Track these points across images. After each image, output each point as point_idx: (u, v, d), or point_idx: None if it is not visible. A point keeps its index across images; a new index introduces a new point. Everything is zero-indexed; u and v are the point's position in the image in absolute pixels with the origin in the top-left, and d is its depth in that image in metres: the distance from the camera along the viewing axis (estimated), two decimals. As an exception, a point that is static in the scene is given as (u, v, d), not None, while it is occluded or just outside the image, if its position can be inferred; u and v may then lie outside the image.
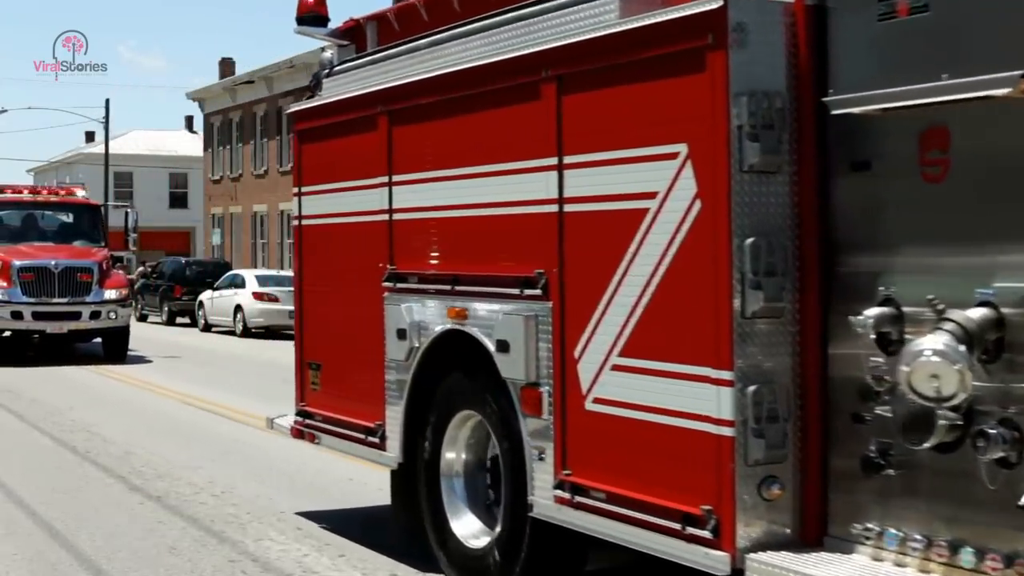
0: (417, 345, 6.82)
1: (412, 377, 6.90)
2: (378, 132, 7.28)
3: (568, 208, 5.67)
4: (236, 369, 21.94)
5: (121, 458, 11.38)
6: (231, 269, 38.40)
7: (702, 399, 4.83)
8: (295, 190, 8.48)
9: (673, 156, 5.02)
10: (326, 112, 8.07)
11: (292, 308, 30.40)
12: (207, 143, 52.36)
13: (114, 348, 23.77)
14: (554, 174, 5.74)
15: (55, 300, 22.65)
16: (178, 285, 36.73)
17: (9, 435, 13.10)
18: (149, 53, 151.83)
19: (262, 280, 32.81)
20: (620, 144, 5.37)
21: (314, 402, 8.19)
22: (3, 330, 23.02)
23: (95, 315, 23.03)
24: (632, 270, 5.26)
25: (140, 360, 23.43)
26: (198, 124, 63.27)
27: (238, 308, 32.02)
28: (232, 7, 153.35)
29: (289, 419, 8.56)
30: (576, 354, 5.60)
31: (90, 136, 77.48)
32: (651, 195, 5.13)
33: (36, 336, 23.40)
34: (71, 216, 25.54)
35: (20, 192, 25.72)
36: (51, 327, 22.82)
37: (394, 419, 7.09)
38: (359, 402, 7.51)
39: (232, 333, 32.02)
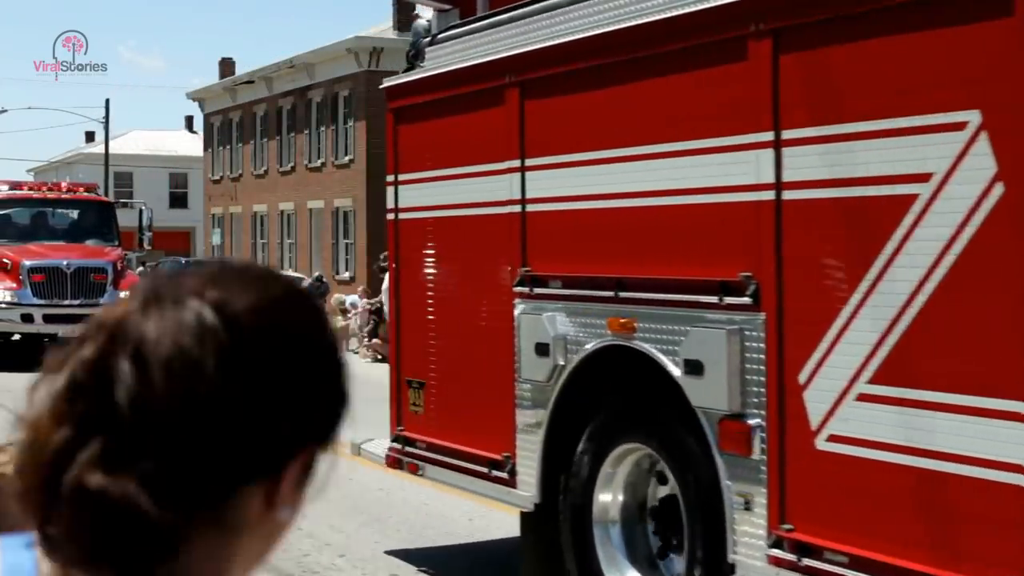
0: (563, 363, 5.69)
1: (555, 401, 5.77)
2: (506, 107, 6.16)
3: (789, 195, 4.58)
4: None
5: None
6: (231, 269, 38.40)
7: (1012, 443, 3.81)
8: (389, 178, 7.39)
9: (958, 127, 3.99)
10: (432, 86, 6.90)
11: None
12: (207, 143, 52.34)
13: None
14: (768, 153, 4.63)
15: (67, 302, 21.51)
16: (178, 285, 36.72)
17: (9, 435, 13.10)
18: (149, 53, 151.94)
19: (262, 280, 32.82)
20: (869, 114, 4.30)
21: (416, 427, 7.03)
22: (11, 333, 22.15)
23: None
24: (892, 273, 4.21)
25: None
26: (198, 124, 63.23)
27: (238, 308, 32.05)
28: (232, 7, 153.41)
29: (381, 445, 7.44)
30: (801, 379, 4.52)
31: (90, 136, 77.44)
32: (922, 177, 4.11)
33: (47, 340, 21.88)
34: (83, 214, 24.40)
35: (30, 189, 24.93)
36: (63, 330, 22.14)
37: (529, 451, 5.97)
38: (479, 429, 6.41)
39: (232, 333, 32.04)
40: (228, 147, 49.47)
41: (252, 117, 46.79)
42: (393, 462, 7.23)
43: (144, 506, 1.02)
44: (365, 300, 26.04)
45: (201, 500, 1.06)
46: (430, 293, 6.94)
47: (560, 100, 5.91)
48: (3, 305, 21.38)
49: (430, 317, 6.93)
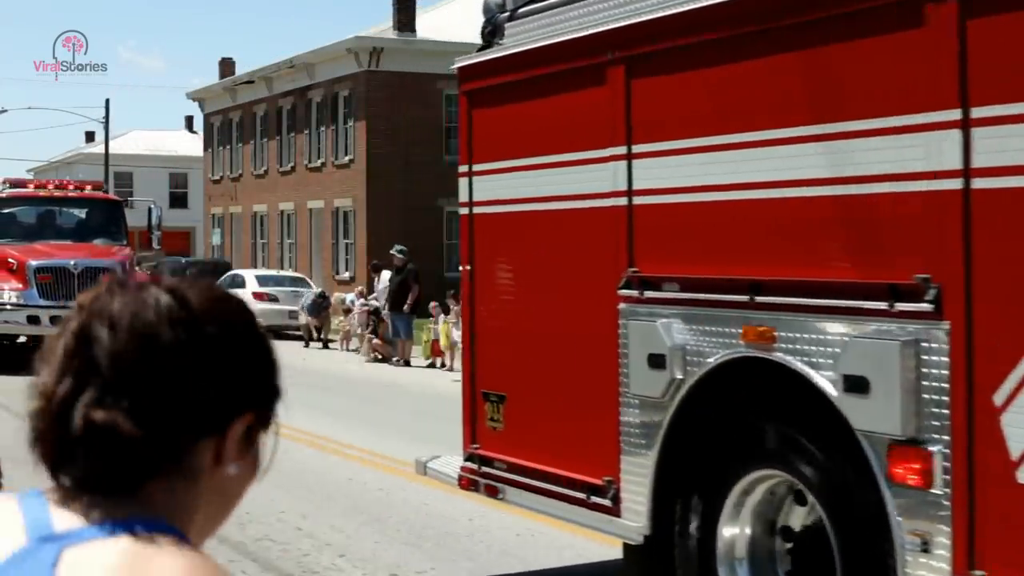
0: (681, 376, 4.98)
1: (671, 420, 5.06)
2: (609, 87, 5.45)
3: (980, 183, 3.95)
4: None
5: (121, 458, 11.38)
6: (231, 269, 38.42)
7: None
8: (462, 168, 6.57)
9: None
10: (514, 65, 6.16)
11: (291, 308, 30.29)
12: (207, 143, 52.34)
13: None
14: (952, 135, 3.99)
15: (74, 303, 21.90)
16: (178, 285, 36.71)
17: (9, 435, 13.09)
18: (149, 53, 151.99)
19: (262, 280, 32.82)
20: None
21: (494, 445, 6.30)
22: (17, 335, 21.53)
23: None
24: None
25: None
26: (198, 124, 63.25)
27: (238, 308, 32.04)
28: (232, 7, 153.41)
29: (450, 463, 6.81)
30: (998, 400, 3.91)
31: (90, 136, 77.47)
32: None
33: None
34: (90, 212, 23.64)
35: (36, 187, 24.06)
36: None
37: (636, 475, 5.28)
38: (573, 449, 5.73)
39: (232, 333, 32.05)
40: (228, 147, 49.47)
41: (252, 117, 46.79)
42: (467, 484, 6.47)
43: (129, 430, 1.34)
44: (361, 301, 26.02)
45: (168, 441, 1.36)
46: (512, 296, 6.29)
47: (677, 78, 5.16)
48: (8, 307, 20.73)
49: (510, 322, 6.25)
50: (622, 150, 5.38)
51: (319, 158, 41.55)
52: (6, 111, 56.76)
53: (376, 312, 24.40)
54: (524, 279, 6.22)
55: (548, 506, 5.89)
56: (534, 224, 6.10)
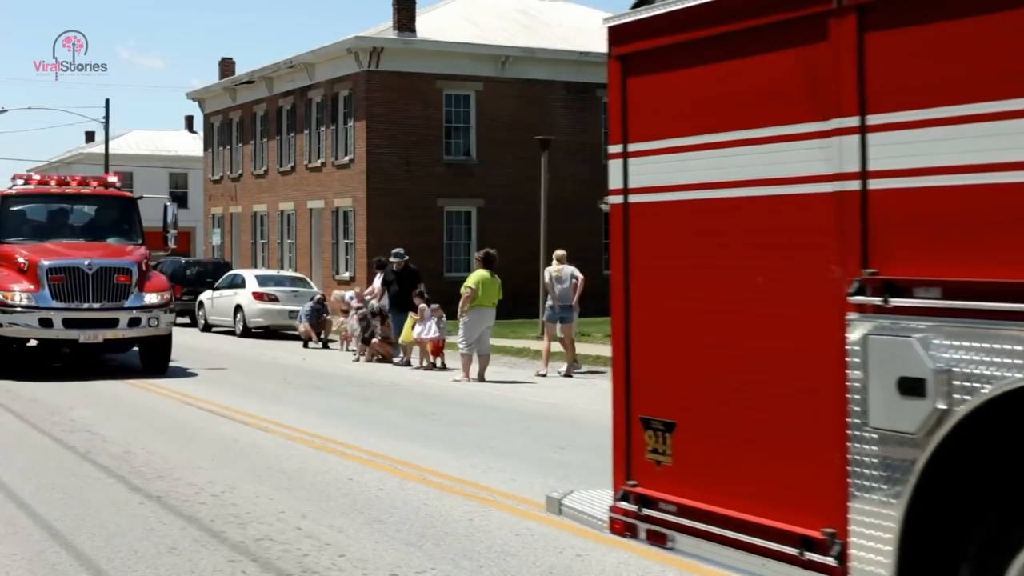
0: (945, 407, 3.92)
1: (928, 461, 3.99)
2: (831, 43, 4.36)
3: None
4: (237, 369, 21.92)
5: (121, 458, 11.38)
6: (231, 269, 38.43)
7: None
8: (615, 149, 5.44)
9: None
10: (687, 22, 5.00)
11: (292, 308, 30.24)
12: (207, 143, 52.35)
13: (154, 359, 20.70)
14: None
15: (89, 305, 19.64)
16: (178, 285, 36.71)
17: (9, 435, 13.10)
18: (149, 53, 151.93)
19: (262, 280, 32.84)
20: None
21: (659, 482, 5.23)
22: (27, 339, 20.09)
23: (134, 322, 19.93)
24: None
25: (182, 372, 20.81)
26: (198, 124, 63.28)
27: (238, 308, 32.05)
28: (232, 7, 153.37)
29: (594, 502, 5.85)
30: None
31: (90, 136, 77.50)
32: None
33: (66, 348, 20.47)
34: (104, 210, 22.38)
35: (46, 183, 22.46)
36: (84, 336, 19.68)
37: (874, 529, 4.21)
38: (773, 492, 4.64)
39: (232, 333, 32.04)
40: (228, 147, 49.46)
41: (252, 117, 46.79)
42: (621, 528, 5.42)
43: None
44: (357, 302, 26.01)
45: None
46: (684, 303, 5.15)
47: (932, 29, 4.06)
48: (19, 309, 19.46)
49: (685, 335, 5.14)
50: (851, 122, 4.27)
51: (319, 158, 41.55)
52: (6, 111, 56.85)
53: (378, 312, 24.39)
54: (702, 282, 5.05)
55: (739, 561, 4.80)
56: (714, 215, 4.95)
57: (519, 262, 33.37)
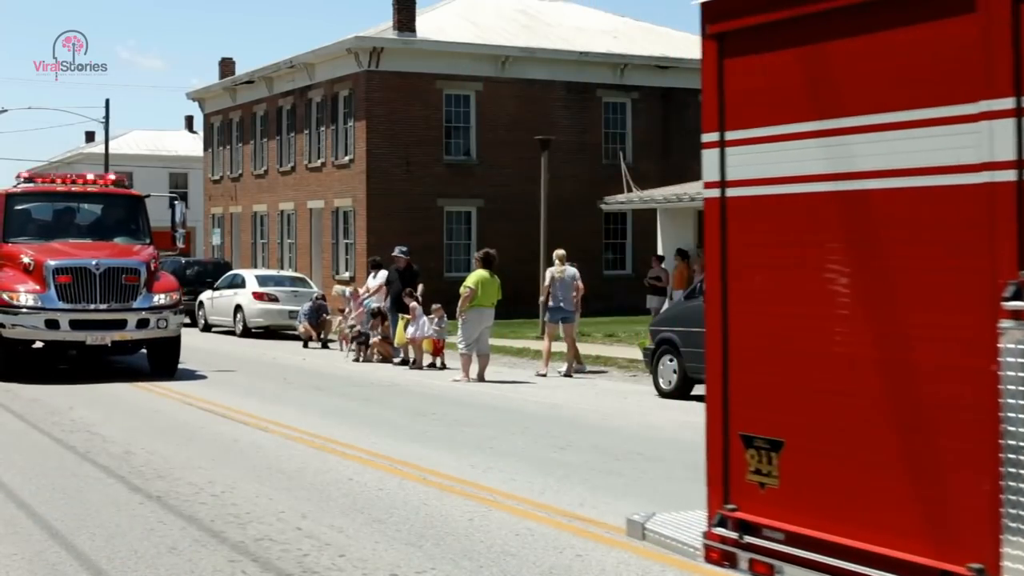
0: None
1: None
2: (976, 15, 3.88)
3: None
4: (237, 369, 21.91)
5: (121, 458, 11.38)
6: (231, 269, 38.42)
7: None
8: (710, 137, 4.96)
9: None
10: None
11: (292, 308, 30.09)
12: (207, 143, 52.33)
13: (163, 361, 20.16)
14: None
15: (96, 306, 19.12)
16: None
17: (9, 435, 13.10)
18: (149, 53, 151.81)
19: (262, 280, 32.83)
20: None
21: (763, 507, 4.73)
22: (33, 341, 19.79)
23: (142, 323, 19.39)
24: None
25: (182, 373, 20.19)
26: (198, 124, 63.26)
27: (238, 308, 32.05)
28: (232, 7, 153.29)
29: (684, 526, 5.38)
30: None
31: (90, 136, 77.50)
32: None
33: (73, 350, 20.06)
34: (111, 209, 21.78)
35: (52, 181, 21.83)
36: (92, 338, 19.15)
37: None
38: (905, 520, 4.16)
39: (232, 333, 32.04)
40: (228, 147, 49.45)
41: (252, 117, 46.78)
42: (719, 557, 4.91)
43: None
44: (354, 301, 26.01)
45: None
46: (796, 307, 4.67)
47: None
48: (25, 310, 18.96)
49: (794, 344, 4.66)
50: (1005, 104, 3.78)
51: (319, 158, 41.54)
52: (6, 111, 56.88)
53: (377, 312, 24.38)
54: (816, 284, 4.57)
55: None
56: (829, 210, 4.47)
57: (519, 262, 33.36)
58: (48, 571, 7.26)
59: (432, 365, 22.20)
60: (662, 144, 42.08)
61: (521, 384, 19.45)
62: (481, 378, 19.69)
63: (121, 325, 19.32)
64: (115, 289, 19.28)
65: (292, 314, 30.08)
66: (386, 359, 23.72)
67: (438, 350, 22.34)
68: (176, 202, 22.53)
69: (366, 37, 38.60)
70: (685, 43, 45.04)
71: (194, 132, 71.34)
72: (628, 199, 34.06)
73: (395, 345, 23.12)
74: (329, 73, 40.34)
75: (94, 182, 21.83)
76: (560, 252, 21.25)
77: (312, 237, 42.53)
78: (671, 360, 17.31)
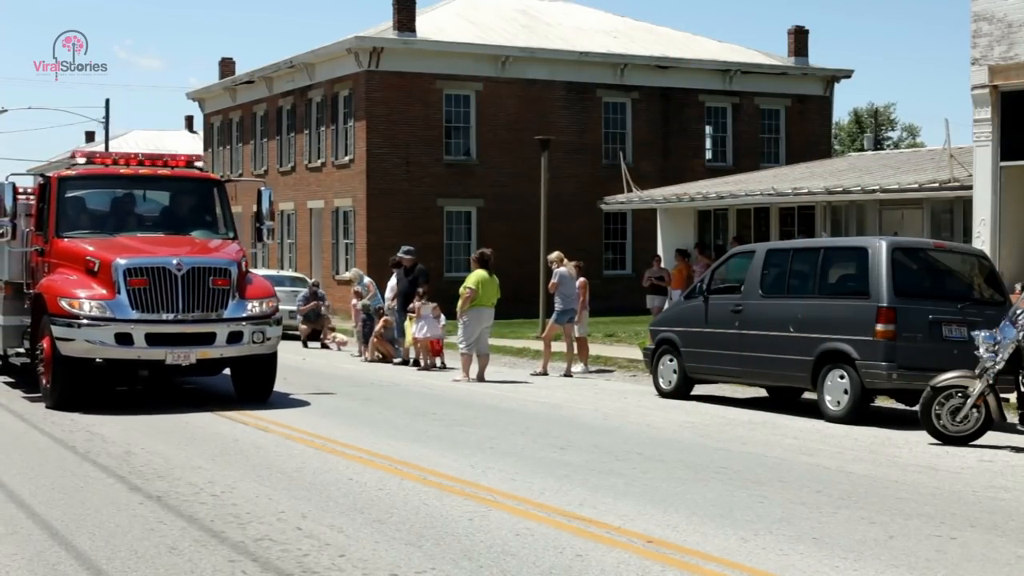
0: None
1: None
2: None
3: None
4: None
5: (121, 458, 11.38)
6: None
7: None
8: None
9: None
10: None
11: (292, 308, 30.12)
12: (207, 143, 52.32)
13: (254, 384, 16.36)
14: None
15: (178, 316, 15.12)
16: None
17: (9, 435, 13.09)
18: (148, 53, 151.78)
19: (262, 280, 32.79)
20: None
21: None
22: (94, 358, 15.18)
23: (235, 337, 15.44)
24: None
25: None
26: (198, 124, 63.25)
27: (238, 308, 32.00)
28: (232, 7, 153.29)
29: None
30: None
31: (90, 136, 77.48)
32: None
33: (144, 371, 15.76)
34: (183, 195, 17.59)
35: (113, 162, 17.48)
36: (173, 355, 15.08)
37: None
38: None
39: (232, 333, 32.00)
40: (228, 147, 49.45)
41: (252, 117, 46.78)
42: None
43: None
44: (356, 301, 26.02)
45: None
46: None
47: None
48: (86, 321, 14.86)
49: None
50: None
51: (319, 158, 41.55)
52: (6, 111, 56.85)
53: (378, 310, 24.43)
54: None
55: None
56: None
57: (519, 262, 33.36)
58: (48, 571, 7.25)
59: (432, 365, 22.20)
60: (662, 144, 42.08)
61: (521, 384, 19.45)
62: (481, 378, 19.70)
63: (209, 339, 15.34)
64: (201, 295, 15.28)
65: (292, 314, 30.08)
66: (386, 359, 23.72)
67: (437, 350, 22.35)
68: (263, 188, 18.35)
69: (366, 37, 38.60)
70: (685, 43, 45.07)
71: (194, 132, 71.32)
72: (628, 199, 34.07)
73: (404, 346, 23.09)
74: (329, 73, 40.34)
75: (164, 163, 17.82)
76: (559, 254, 21.40)
77: (312, 237, 42.54)
78: (671, 360, 17.32)
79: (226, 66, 51.91)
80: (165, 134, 75.87)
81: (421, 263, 24.23)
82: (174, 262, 15.23)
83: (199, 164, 18.27)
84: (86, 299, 14.98)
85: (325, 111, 40.92)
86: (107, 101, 66.01)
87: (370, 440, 12.52)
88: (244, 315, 15.61)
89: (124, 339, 14.93)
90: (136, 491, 9.73)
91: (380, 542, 7.89)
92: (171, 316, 15.14)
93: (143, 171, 17.25)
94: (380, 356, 23.90)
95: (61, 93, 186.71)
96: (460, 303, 19.86)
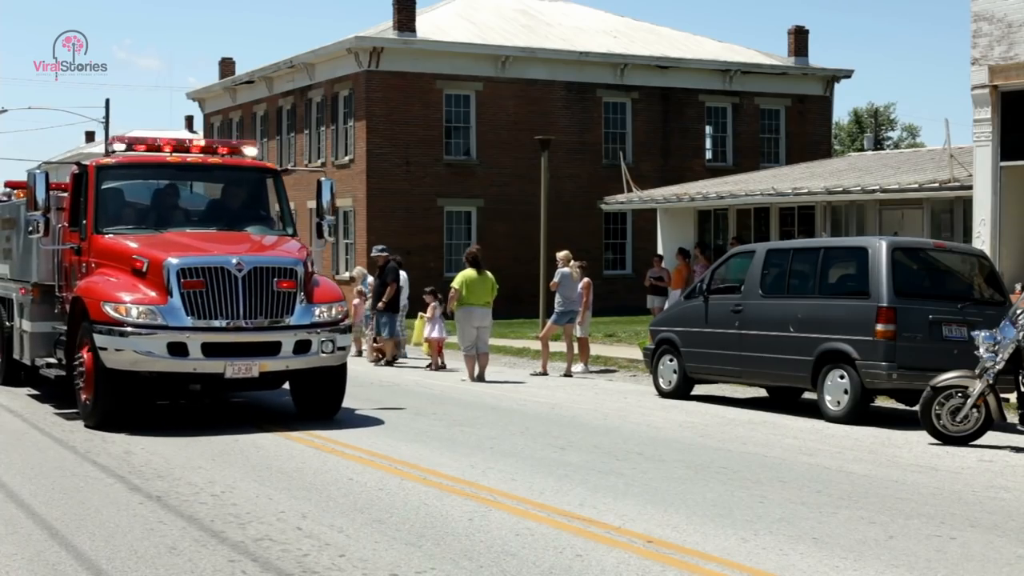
0: None
1: None
2: None
3: None
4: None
5: (121, 458, 11.38)
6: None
7: None
8: None
9: None
10: None
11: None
12: (207, 143, 52.41)
13: (320, 399, 14.47)
14: None
15: (238, 323, 13.24)
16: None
17: (9, 435, 13.08)
18: (148, 53, 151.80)
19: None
20: None
21: None
22: (142, 371, 13.22)
23: (302, 347, 13.59)
24: None
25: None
26: (198, 124, 63.24)
27: (238, 308, 31.98)
28: (232, 7, 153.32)
29: None
30: None
31: (90, 136, 77.50)
32: None
33: (197, 384, 13.81)
34: (236, 187, 15.70)
35: (159, 149, 15.34)
36: (233, 368, 13.22)
37: None
38: None
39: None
40: (228, 147, 49.43)
41: (252, 117, 46.77)
42: None
43: None
44: (357, 300, 26.02)
45: None
46: None
47: None
48: (131, 328, 13.01)
49: None
50: None
51: (319, 158, 41.54)
52: (6, 111, 56.83)
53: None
54: None
55: None
56: None
57: (519, 262, 33.37)
58: (48, 571, 7.25)
59: (430, 365, 22.22)
60: (662, 144, 42.08)
61: (521, 384, 19.45)
62: (481, 378, 19.72)
63: (273, 349, 13.47)
64: (264, 299, 13.44)
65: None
66: (385, 359, 23.72)
67: (439, 350, 22.39)
68: (323, 180, 16.23)
69: (366, 37, 38.60)
70: (685, 43, 45.07)
71: (194, 132, 71.29)
72: (628, 199, 34.07)
73: (411, 344, 23.22)
74: (329, 73, 40.34)
75: (214, 150, 15.77)
76: (566, 253, 21.52)
77: (312, 237, 42.50)
78: (671, 360, 17.32)
79: (226, 66, 51.89)
80: (165, 134, 75.79)
81: (398, 258, 24.28)
82: (233, 261, 13.34)
83: (251, 151, 16.03)
84: (133, 304, 13.13)
85: (325, 111, 40.92)
86: (107, 101, 66.03)
87: (370, 440, 12.52)
88: (312, 322, 13.75)
89: (178, 349, 13.01)
90: (136, 491, 9.73)
91: (380, 542, 7.89)
92: (231, 323, 13.23)
93: (191, 159, 15.29)
94: (380, 357, 23.88)
95: (61, 93, 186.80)
96: (447, 304, 20.37)
